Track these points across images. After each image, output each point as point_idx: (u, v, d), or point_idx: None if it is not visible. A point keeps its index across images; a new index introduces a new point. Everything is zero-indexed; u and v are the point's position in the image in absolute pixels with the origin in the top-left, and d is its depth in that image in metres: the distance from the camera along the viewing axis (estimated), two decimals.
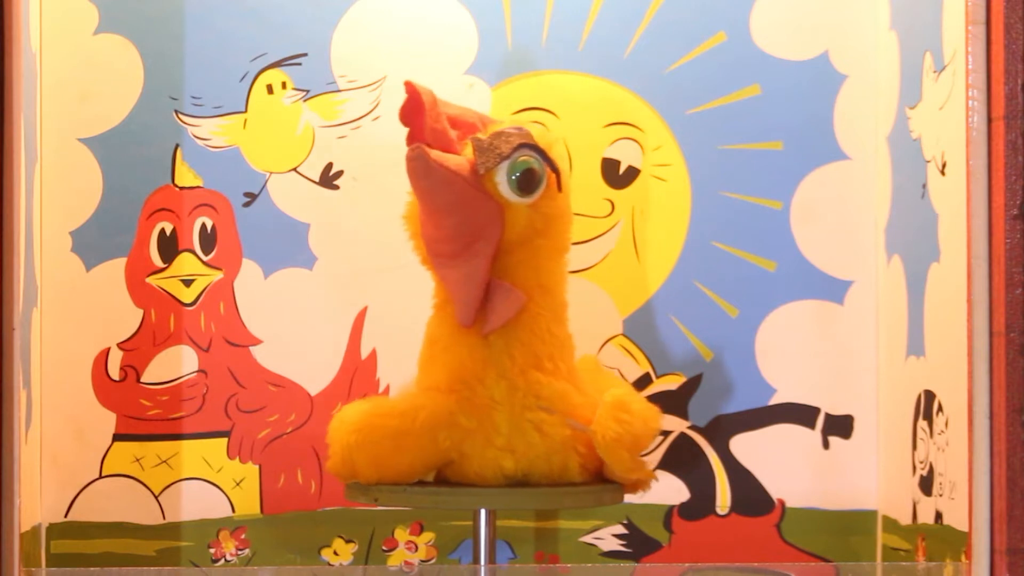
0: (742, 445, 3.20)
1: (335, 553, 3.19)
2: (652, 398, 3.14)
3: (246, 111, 3.19)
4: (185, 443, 3.18)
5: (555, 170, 2.73)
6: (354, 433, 2.74)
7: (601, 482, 2.78)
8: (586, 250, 3.17)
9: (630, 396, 2.76)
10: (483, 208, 2.71)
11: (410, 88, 2.73)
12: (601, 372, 3.00)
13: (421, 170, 2.68)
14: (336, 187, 3.18)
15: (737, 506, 3.20)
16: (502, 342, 2.75)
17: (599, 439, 2.68)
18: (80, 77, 3.17)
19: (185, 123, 3.19)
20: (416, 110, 2.72)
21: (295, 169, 3.19)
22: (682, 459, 3.19)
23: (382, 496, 2.75)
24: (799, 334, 3.20)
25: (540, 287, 2.77)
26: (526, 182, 2.70)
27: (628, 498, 3.05)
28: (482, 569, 2.83)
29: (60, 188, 3.16)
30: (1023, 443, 2.39)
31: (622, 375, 3.16)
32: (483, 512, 2.81)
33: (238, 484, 3.18)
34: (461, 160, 2.71)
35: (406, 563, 3.16)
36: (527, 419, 2.72)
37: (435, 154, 2.68)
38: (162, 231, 3.19)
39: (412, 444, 2.73)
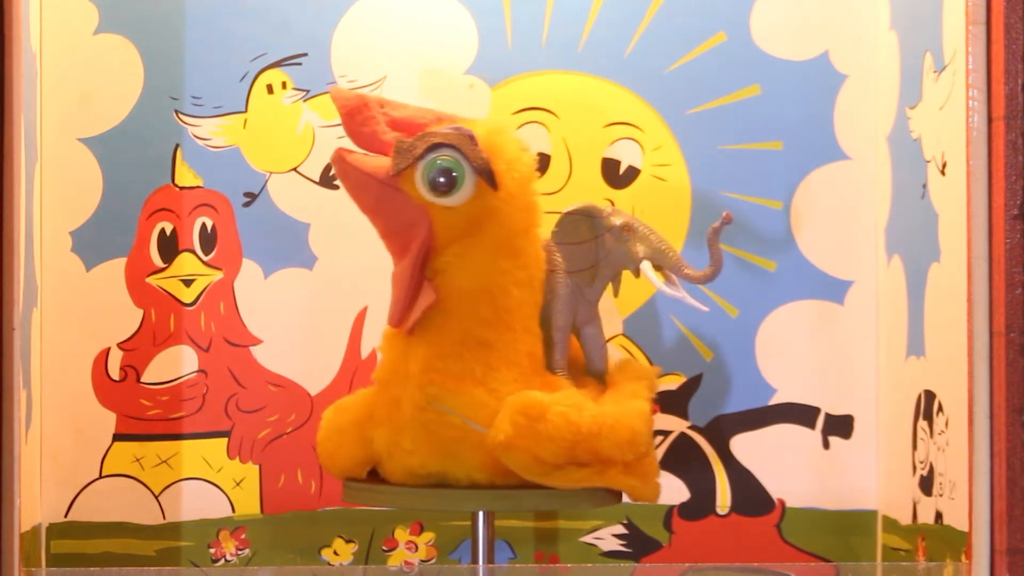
0: (742, 445, 3.20)
1: (335, 553, 3.19)
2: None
3: (246, 111, 3.19)
4: (185, 443, 3.18)
5: (481, 171, 2.70)
6: (320, 429, 2.88)
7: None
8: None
9: (553, 401, 2.68)
10: (404, 209, 2.74)
11: (332, 96, 2.82)
12: (624, 383, 2.86)
13: (339, 173, 2.80)
14: (336, 187, 3.18)
15: (737, 506, 3.20)
16: (416, 341, 2.77)
17: (489, 440, 2.69)
18: (80, 77, 3.17)
19: (185, 123, 3.19)
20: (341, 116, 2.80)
21: (295, 169, 3.20)
22: (682, 459, 3.19)
23: (379, 496, 2.76)
24: (799, 334, 3.20)
25: (469, 289, 2.74)
26: (439, 183, 2.69)
27: (629, 498, 3.05)
28: (480, 569, 2.83)
29: (60, 188, 3.16)
30: (1023, 443, 2.39)
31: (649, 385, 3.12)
32: (481, 513, 2.82)
33: (238, 484, 3.18)
34: (384, 162, 2.73)
35: (406, 563, 3.16)
36: (418, 419, 2.73)
37: (352, 157, 2.76)
38: (162, 231, 3.19)
39: (347, 439, 2.82)
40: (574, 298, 2.83)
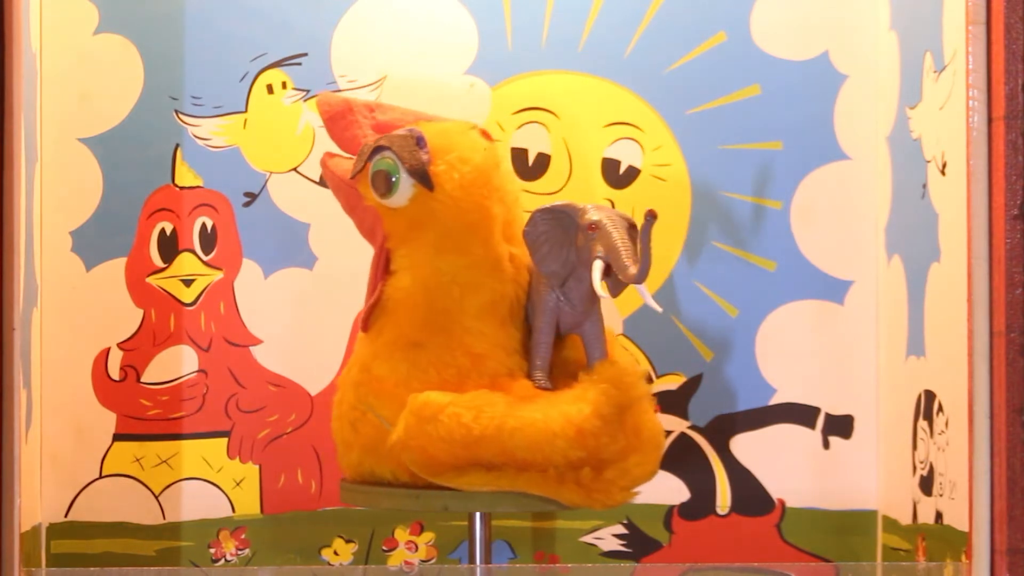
0: (742, 445, 3.20)
1: (335, 553, 3.19)
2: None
3: (246, 111, 3.19)
4: (185, 443, 3.18)
5: (414, 173, 2.73)
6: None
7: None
8: None
9: (451, 402, 2.67)
10: (367, 212, 2.83)
11: (317, 101, 2.90)
12: (580, 386, 2.77)
13: (324, 176, 2.95)
14: None
15: (737, 506, 3.20)
16: (363, 340, 2.83)
17: (388, 440, 2.72)
18: (80, 77, 3.17)
19: (185, 123, 3.19)
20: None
21: (295, 169, 3.20)
22: (682, 459, 3.19)
23: (375, 497, 2.77)
24: (799, 334, 3.20)
25: (408, 290, 2.78)
26: (377, 185, 2.76)
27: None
28: (478, 570, 2.83)
29: (60, 188, 3.16)
30: (1023, 443, 2.39)
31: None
32: (478, 514, 2.82)
33: (238, 484, 3.18)
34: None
35: (406, 563, 3.17)
36: (348, 417, 2.79)
37: (331, 161, 2.89)
38: (162, 231, 3.19)
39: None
40: (553, 299, 2.77)
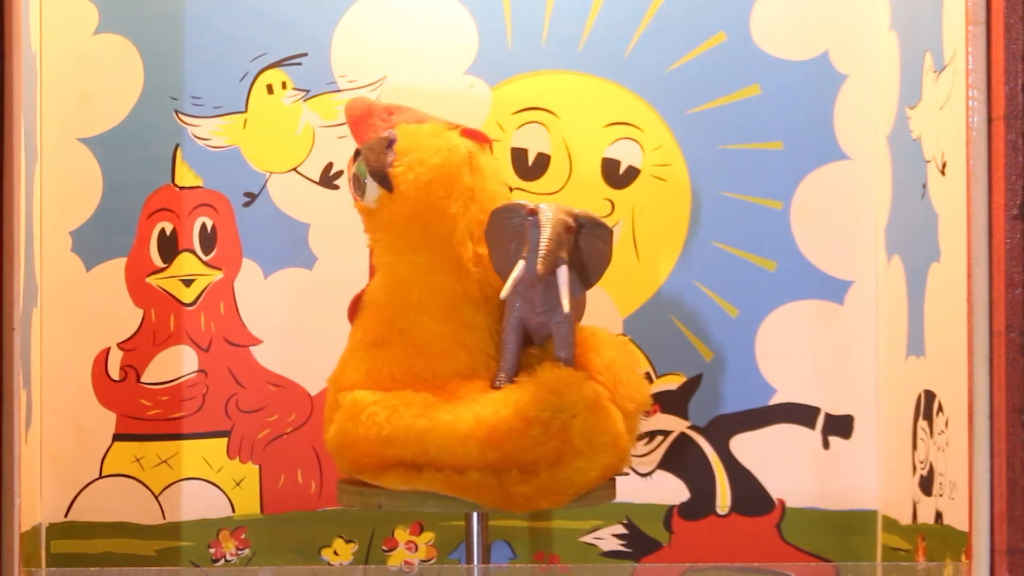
0: (742, 445, 3.20)
1: (335, 553, 3.19)
2: (652, 398, 3.15)
3: (246, 111, 3.19)
4: (185, 443, 3.18)
5: (374, 174, 2.78)
6: None
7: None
8: None
9: (374, 401, 2.71)
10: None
11: (345, 108, 2.92)
12: (508, 387, 2.79)
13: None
14: (336, 187, 3.18)
15: (737, 506, 3.20)
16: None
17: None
18: (80, 77, 3.17)
19: (185, 123, 3.19)
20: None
21: (295, 169, 3.20)
22: (682, 459, 3.19)
23: (372, 498, 2.77)
24: (799, 334, 3.20)
25: (372, 291, 2.85)
26: (353, 187, 2.83)
27: (628, 498, 3.06)
28: (475, 570, 2.83)
29: (60, 188, 3.16)
30: (1023, 443, 2.39)
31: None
32: (475, 514, 2.82)
33: (238, 484, 3.18)
34: None
35: (406, 563, 3.17)
36: (327, 417, 2.84)
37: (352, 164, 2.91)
38: (162, 231, 3.19)
39: None
40: (512, 300, 2.74)
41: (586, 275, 2.75)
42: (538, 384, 2.68)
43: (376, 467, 2.70)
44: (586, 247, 2.73)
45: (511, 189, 3.10)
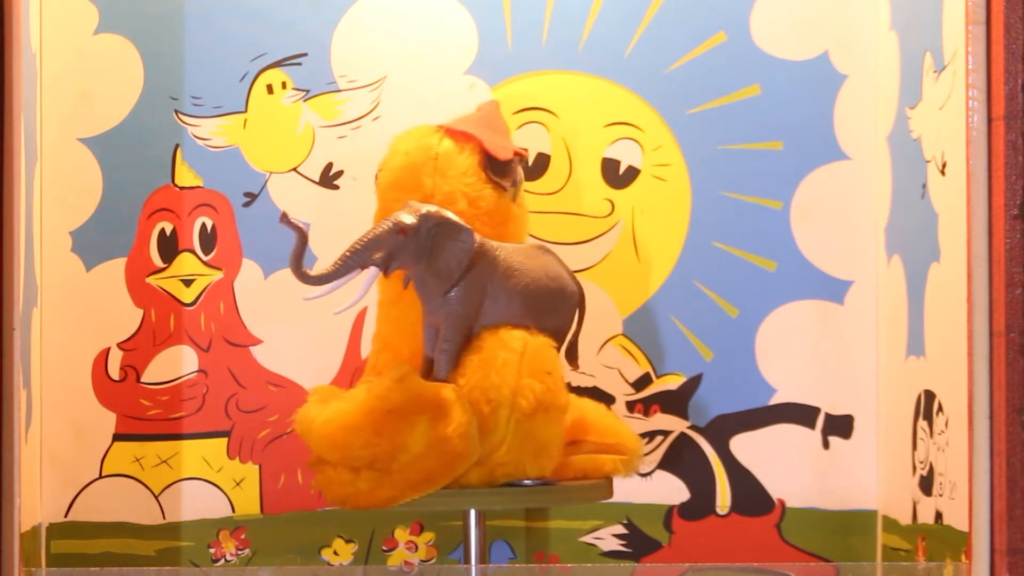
0: (742, 445, 3.20)
1: (335, 553, 3.19)
2: (652, 398, 3.15)
3: (246, 111, 3.19)
4: (185, 443, 3.18)
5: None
6: None
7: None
8: (586, 250, 3.17)
9: (334, 416, 2.75)
10: None
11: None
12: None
13: None
14: (336, 187, 3.18)
15: (737, 506, 3.20)
16: None
17: None
18: (80, 77, 3.17)
19: (185, 123, 3.19)
20: None
21: (295, 169, 3.20)
22: (682, 459, 3.19)
23: None
24: (799, 334, 3.20)
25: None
26: None
27: (628, 497, 3.05)
28: (473, 569, 2.83)
29: (60, 188, 3.16)
30: (1023, 443, 2.39)
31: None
32: (472, 512, 2.82)
33: (238, 484, 3.18)
34: None
35: (406, 563, 3.17)
36: None
37: None
38: (162, 231, 3.19)
39: None
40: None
41: (447, 275, 2.77)
42: (366, 388, 2.76)
43: (328, 464, 2.81)
44: (438, 248, 2.76)
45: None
